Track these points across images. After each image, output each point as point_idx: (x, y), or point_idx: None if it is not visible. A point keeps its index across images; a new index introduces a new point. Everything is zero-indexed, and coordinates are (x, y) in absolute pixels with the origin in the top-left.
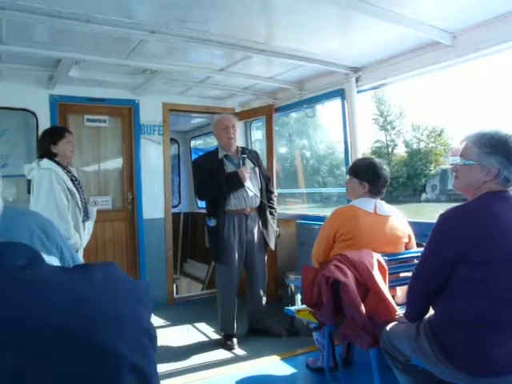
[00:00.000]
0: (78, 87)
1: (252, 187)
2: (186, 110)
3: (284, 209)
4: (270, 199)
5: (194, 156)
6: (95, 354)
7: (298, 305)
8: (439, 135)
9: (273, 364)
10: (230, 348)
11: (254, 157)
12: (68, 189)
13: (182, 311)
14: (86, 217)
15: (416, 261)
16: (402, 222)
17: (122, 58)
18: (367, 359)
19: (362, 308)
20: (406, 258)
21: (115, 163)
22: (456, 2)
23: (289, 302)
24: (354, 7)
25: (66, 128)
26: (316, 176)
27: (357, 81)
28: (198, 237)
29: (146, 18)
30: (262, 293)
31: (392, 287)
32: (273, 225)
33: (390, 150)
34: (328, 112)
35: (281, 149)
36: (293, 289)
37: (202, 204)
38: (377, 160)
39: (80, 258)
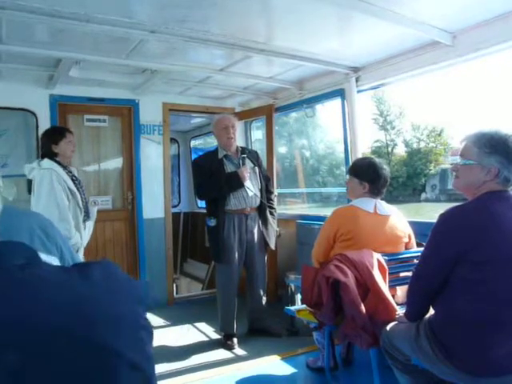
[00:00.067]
0: (77, 87)
1: (252, 187)
2: (186, 110)
3: (284, 209)
4: (269, 199)
5: (194, 156)
6: (95, 352)
7: (298, 305)
8: (439, 135)
9: (273, 364)
10: (230, 348)
11: (254, 157)
12: (69, 189)
13: (182, 311)
14: (87, 216)
15: (416, 260)
16: (402, 221)
17: (122, 58)
18: (367, 359)
19: (362, 308)
20: (406, 257)
21: (115, 163)
22: (456, 2)
23: (289, 302)
24: (353, 7)
25: (66, 128)
26: (316, 176)
27: (357, 81)
28: (198, 236)
29: (146, 18)
30: (262, 293)
31: (392, 287)
32: (273, 225)
33: (389, 149)
34: (328, 112)
35: (280, 148)
36: (293, 289)
37: (201, 204)
38: (377, 160)
39: (80, 257)
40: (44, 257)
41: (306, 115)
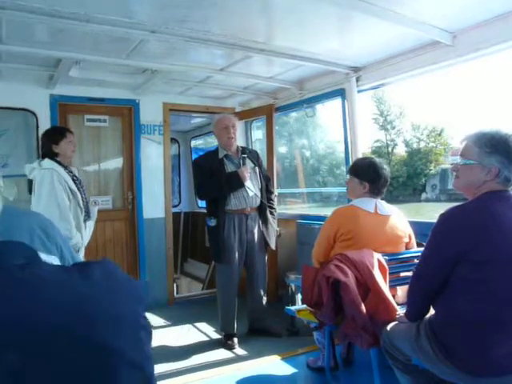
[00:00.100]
0: (78, 87)
1: (252, 187)
2: (187, 110)
3: (284, 208)
4: (269, 199)
5: (195, 156)
6: (95, 352)
7: (299, 304)
8: (439, 135)
9: (273, 364)
10: (230, 348)
11: (255, 156)
12: (70, 188)
13: (183, 311)
14: (88, 216)
15: (416, 260)
16: (402, 221)
17: (122, 58)
18: (368, 359)
19: (363, 308)
20: (407, 257)
21: (115, 163)
22: (456, 2)
23: (289, 302)
24: (354, 7)
25: (67, 128)
26: (316, 176)
27: (357, 80)
28: (199, 236)
29: (146, 18)
30: (262, 292)
31: (392, 287)
32: (273, 224)
33: (389, 149)
34: (328, 111)
35: (281, 148)
36: (293, 288)
37: (202, 204)
38: (377, 160)
39: (81, 257)
40: (44, 257)
41: (306, 115)
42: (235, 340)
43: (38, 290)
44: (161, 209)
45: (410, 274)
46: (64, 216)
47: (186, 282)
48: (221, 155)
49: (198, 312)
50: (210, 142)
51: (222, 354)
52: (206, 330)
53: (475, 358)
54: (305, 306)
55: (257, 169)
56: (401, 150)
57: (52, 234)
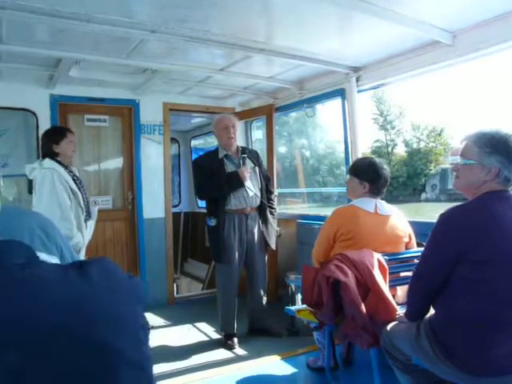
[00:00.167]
0: (78, 87)
1: (252, 187)
2: (187, 110)
3: (284, 208)
4: (269, 199)
5: (195, 156)
6: (95, 351)
7: (299, 304)
8: (439, 135)
9: (273, 364)
10: (230, 348)
11: (255, 156)
12: (70, 188)
13: (183, 311)
14: (88, 216)
15: (416, 260)
16: (402, 221)
17: (123, 58)
18: (368, 359)
19: (363, 308)
20: (407, 257)
21: (115, 163)
22: (456, 2)
23: (289, 302)
24: (354, 7)
25: (67, 128)
26: (316, 175)
27: (357, 80)
28: (199, 236)
29: (147, 18)
30: (262, 292)
31: (392, 287)
32: (273, 224)
33: (389, 149)
34: (328, 111)
35: (280, 148)
36: (293, 288)
37: (202, 204)
38: (377, 160)
39: (81, 257)
40: (44, 256)
41: (306, 115)
42: (235, 340)
43: (38, 290)
44: (161, 209)
45: (409, 273)
46: (65, 216)
47: (186, 282)
48: (221, 155)
49: (198, 312)
50: (209, 142)
51: (221, 354)
52: (206, 330)
53: (475, 357)
54: (305, 305)
55: (257, 169)
56: (401, 150)
57: (52, 233)
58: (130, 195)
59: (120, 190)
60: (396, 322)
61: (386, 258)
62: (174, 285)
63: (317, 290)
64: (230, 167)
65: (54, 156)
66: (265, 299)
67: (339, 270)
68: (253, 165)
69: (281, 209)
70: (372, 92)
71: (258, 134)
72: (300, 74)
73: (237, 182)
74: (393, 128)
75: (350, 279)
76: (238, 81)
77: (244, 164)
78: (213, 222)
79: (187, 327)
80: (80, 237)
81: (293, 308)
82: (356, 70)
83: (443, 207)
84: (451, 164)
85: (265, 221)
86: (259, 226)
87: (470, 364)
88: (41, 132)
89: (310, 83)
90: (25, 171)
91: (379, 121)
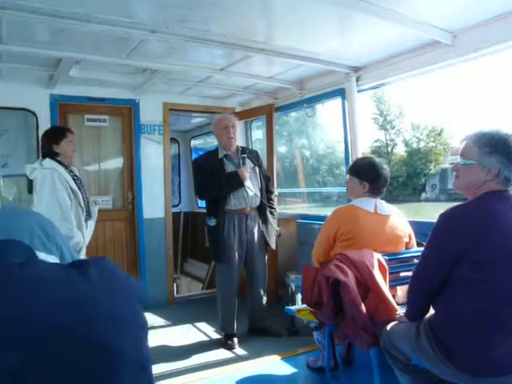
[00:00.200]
0: (78, 87)
1: (252, 187)
2: (187, 110)
3: (284, 208)
4: (269, 199)
5: (195, 155)
6: (95, 351)
7: (299, 304)
8: (439, 134)
9: (273, 364)
10: (230, 348)
11: (254, 156)
12: (71, 188)
13: (183, 311)
14: (89, 216)
15: (416, 260)
16: (402, 221)
17: (123, 58)
18: (368, 359)
19: (363, 307)
20: (407, 257)
21: (115, 163)
22: (456, 2)
23: (289, 302)
24: (354, 7)
25: (67, 128)
26: (316, 175)
27: (357, 80)
28: (199, 236)
29: (147, 18)
30: (262, 292)
31: (392, 287)
32: (273, 224)
33: (389, 149)
34: (327, 111)
35: (280, 148)
36: (293, 288)
37: (202, 203)
38: (377, 159)
39: (82, 257)
40: (44, 256)
41: (306, 115)
42: (235, 340)
43: (38, 289)
44: (161, 209)
45: (409, 273)
46: (65, 215)
47: (186, 282)
48: (221, 155)
49: (198, 312)
50: (209, 142)
51: (222, 353)
52: (206, 330)
53: (475, 357)
54: (305, 305)
55: (257, 169)
56: (400, 150)
57: (52, 233)
58: (129, 195)
59: (120, 189)
60: (396, 322)
61: (386, 257)
62: (174, 285)
63: (317, 290)
64: (229, 167)
65: (54, 156)
66: (265, 299)
67: (339, 269)
68: (253, 165)
69: (281, 209)
70: (372, 92)
71: (258, 133)
72: (300, 73)
73: (237, 182)
74: (393, 128)
75: (350, 279)
76: (238, 81)
77: (244, 164)
78: (213, 222)
79: (187, 327)
80: (80, 236)
81: (293, 308)
82: (356, 69)
83: (443, 207)
84: (451, 164)
85: (265, 221)
86: (259, 226)
87: (470, 364)
88: (41, 132)
89: (310, 83)
90: (25, 171)
91: (379, 120)
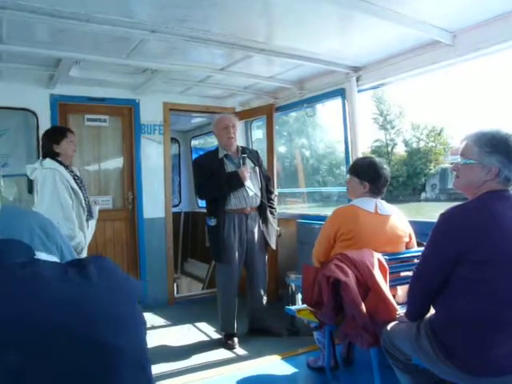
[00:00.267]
0: (78, 87)
1: (252, 187)
2: (187, 110)
3: (284, 208)
4: (270, 199)
5: (195, 155)
6: (95, 351)
7: (299, 304)
8: (439, 134)
9: (273, 363)
10: (230, 347)
11: (255, 156)
12: (72, 188)
13: (183, 311)
14: (90, 216)
15: (416, 260)
16: (402, 221)
17: (123, 58)
18: (368, 358)
19: (363, 307)
20: (407, 257)
21: (116, 163)
22: (456, 2)
23: (289, 302)
24: (354, 7)
25: (67, 128)
26: (316, 175)
27: (357, 80)
28: (199, 236)
29: (147, 18)
30: (262, 292)
31: (393, 286)
32: (273, 224)
33: (389, 149)
34: (328, 111)
35: (281, 148)
36: (293, 288)
37: (202, 203)
38: (377, 159)
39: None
40: (44, 256)
41: (306, 115)
42: (235, 340)
43: (39, 288)
44: (161, 209)
45: (410, 273)
46: (67, 215)
47: (186, 282)
48: (221, 155)
49: (198, 312)
50: (210, 142)
51: (222, 353)
52: (206, 330)
53: (475, 357)
54: (305, 305)
55: (257, 168)
56: (400, 150)
57: (52, 233)
58: (130, 195)
59: (120, 189)
60: (396, 322)
61: (387, 257)
62: (174, 284)
63: (317, 290)
64: (229, 167)
65: (54, 156)
66: (265, 299)
67: (339, 269)
68: (253, 165)
69: (281, 208)
70: (372, 92)
71: (258, 133)
72: (300, 73)
73: (237, 182)
74: (393, 128)
75: (351, 279)
76: (238, 81)
77: (244, 164)
78: (213, 222)
79: (187, 327)
80: (82, 236)
81: (293, 308)
82: (356, 69)
83: (443, 207)
84: (451, 163)
85: (265, 220)
86: (259, 226)
87: (470, 364)
88: (41, 132)
89: (310, 83)
90: (25, 171)
91: (379, 120)
